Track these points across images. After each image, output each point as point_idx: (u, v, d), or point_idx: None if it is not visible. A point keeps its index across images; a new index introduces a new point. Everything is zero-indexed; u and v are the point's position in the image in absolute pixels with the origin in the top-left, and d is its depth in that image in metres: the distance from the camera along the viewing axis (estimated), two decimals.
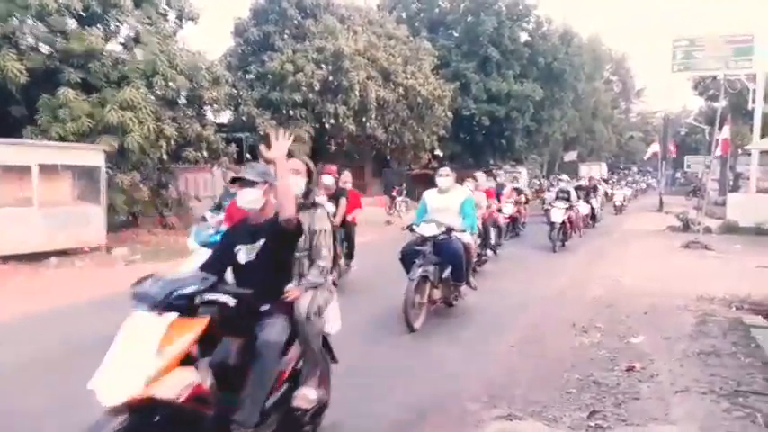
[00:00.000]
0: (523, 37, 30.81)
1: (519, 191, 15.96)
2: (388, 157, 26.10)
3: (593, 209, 17.37)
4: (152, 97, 14.05)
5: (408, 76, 22.51)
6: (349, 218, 8.33)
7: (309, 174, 3.68)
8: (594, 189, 19.24)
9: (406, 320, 5.95)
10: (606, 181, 32.35)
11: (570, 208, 13.30)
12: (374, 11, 26.20)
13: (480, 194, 9.96)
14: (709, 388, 4.45)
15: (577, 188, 16.68)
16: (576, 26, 43.17)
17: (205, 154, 15.53)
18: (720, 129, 16.15)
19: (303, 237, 3.32)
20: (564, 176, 15.97)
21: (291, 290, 3.28)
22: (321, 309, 3.37)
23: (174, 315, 2.53)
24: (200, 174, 18.19)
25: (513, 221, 14.73)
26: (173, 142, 13.98)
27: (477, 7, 28.85)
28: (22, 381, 4.70)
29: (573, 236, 13.90)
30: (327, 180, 8.05)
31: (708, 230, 15.14)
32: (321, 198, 7.12)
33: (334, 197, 7.96)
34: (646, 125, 63.55)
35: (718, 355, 5.26)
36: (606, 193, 25.71)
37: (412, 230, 6.65)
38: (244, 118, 19.27)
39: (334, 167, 8.56)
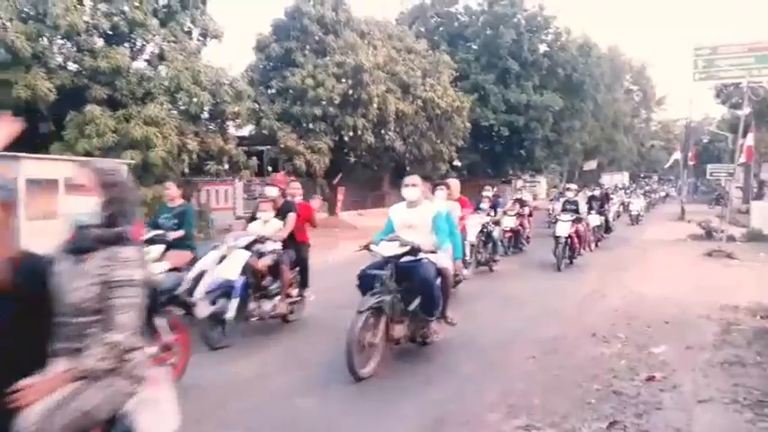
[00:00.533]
0: (542, 48, 30.78)
1: (522, 202, 15.15)
2: (407, 168, 26.16)
3: (606, 220, 16.51)
4: (175, 112, 14.39)
5: (427, 89, 22.62)
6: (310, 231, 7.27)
7: (110, 187, 2.19)
8: (607, 198, 18.60)
9: (348, 366, 4.70)
10: (625, 190, 31.74)
11: (578, 220, 12.01)
12: (393, 25, 26.41)
13: (453, 204, 8.17)
14: (732, 398, 4.41)
15: (591, 198, 16.34)
16: (595, 36, 43.09)
17: (227, 167, 15.77)
18: (744, 136, 15.97)
19: (88, 291, 2.04)
20: (572, 186, 14.67)
21: (26, 385, 1.90)
22: (90, 416, 1.99)
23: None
24: (222, 186, 18.46)
25: (516, 235, 13.79)
26: (195, 156, 14.24)
27: (497, 20, 28.94)
28: None
29: (582, 251, 12.59)
30: (270, 192, 6.98)
31: (731, 239, 14.94)
32: (266, 214, 6.70)
33: (281, 212, 6.75)
34: (667, 134, 62.88)
35: (742, 365, 5.21)
36: (623, 203, 25.20)
37: (369, 250, 5.41)
38: (265, 131, 19.53)
39: (282, 176, 7.58)
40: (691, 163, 32.81)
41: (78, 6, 13.16)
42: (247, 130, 20.31)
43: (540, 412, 4.22)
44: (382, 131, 21.34)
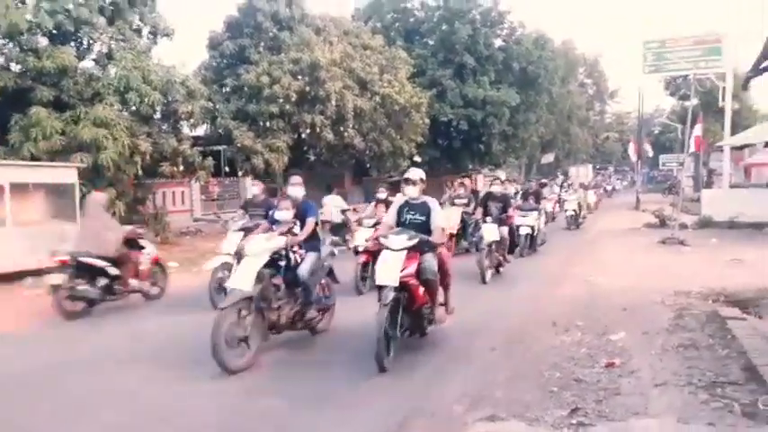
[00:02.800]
0: (498, 43, 31.09)
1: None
2: (368, 165, 26.15)
3: (532, 232, 12.79)
4: (126, 113, 13.97)
5: (385, 85, 22.59)
6: None
7: None
8: (537, 195, 14.69)
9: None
10: (562, 184, 26.00)
11: (505, 221, 10.27)
12: (349, 21, 26.27)
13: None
14: (687, 380, 4.51)
15: (525, 193, 14.84)
16: (548, 31, 43.79)
17: (181, 168, 15.42)
18: (692, 127, 16.48)
19: None
20: (500, 176, 13.27)
21: None
22: None
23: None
24: (178, 188, 18.06)
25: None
26: (148, 157, 13.87)
27: (452, 16, 29.08)
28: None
29: (509, 257, 10.47)
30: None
31: (684, 226, 15.40)
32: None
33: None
34: (621, 125, 64.52)
35: (696, 348, 5.34)
36: (558, 201, 20.84)
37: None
38: (221, 131, 19.18)
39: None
40: (647, 155, 33.80)
41: (20, 5, 12.65)
42: (202, 130, 19.91)
43: (504, 402, 4.25)
44: (341, 128, 21.22)
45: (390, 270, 5.14)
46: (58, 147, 12.26)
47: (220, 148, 20.04)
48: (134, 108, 13.90)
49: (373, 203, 11.42)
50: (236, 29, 20.99)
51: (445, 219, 6.93)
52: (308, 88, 19.55)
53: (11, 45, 13.03)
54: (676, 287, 8.09)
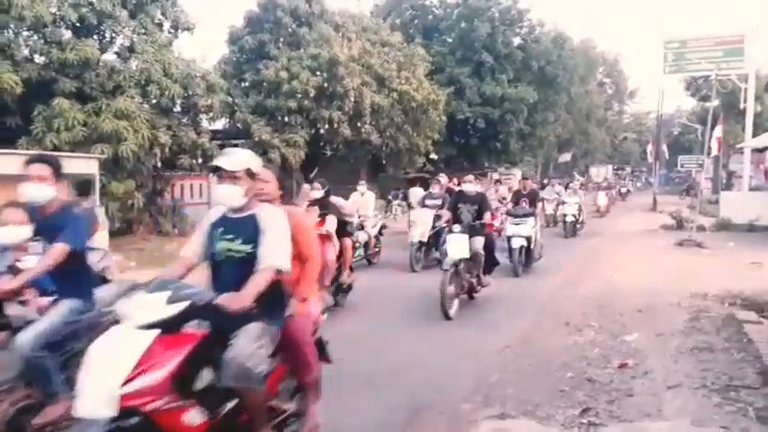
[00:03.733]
0: (516, 41, 30.93)
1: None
2: (384, 162, 26.16)
3: (528, 243, 10.26)
4: (147, 106, 14.13)
5: (403, 82, 22.58)
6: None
7: None
8: (532, 198, 11.18)
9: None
10: (566, 185, 21.57)
11: (479, 230, 7.83)
12: (368, 18, 26.27)
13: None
14: (701, 383, 4.50)
15: (516, 194, 11.57)
16: (568, 30, 43.40)
17: (200, 161, 15.57)
18: (713, 128, 16.29)
19: None
20: (469, 177, 9.62)
21: None
22: None
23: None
24: (196, 181, 18.22)
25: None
26: (167, 150, 14.03)
27: (471, 13, 28.97)
28: None
29: (486, 279, 7.99)
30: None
31: (701, 228, 15.23)
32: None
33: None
34: (639, 126, 63.83)
35: (711, 351, 5.31)
36: (558, 204, 17.76)
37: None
38: (239, 125, 19.31)
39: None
40: (665, 156, 33.38)
41: None
42: (221, 124, 20.06)
43: (515, 401, 4.27)
44: (358, 124, 21.26)
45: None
46: (79, 138, 12.43)
47: (238, 141, 20.17)
48: (154, 101, 14.05)
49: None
50: (255, 24, 21.09)
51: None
52: (326, 84, 19.61)
53: (35, 37, 13.20)
54: (693, 289, 8.03)
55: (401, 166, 26.37)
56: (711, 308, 7.04)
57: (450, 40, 30.09)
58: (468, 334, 6.24)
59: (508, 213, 10.92)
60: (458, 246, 7.24)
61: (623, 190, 36.66)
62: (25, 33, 13.16)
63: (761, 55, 24.62)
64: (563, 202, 16.97)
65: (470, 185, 8.36)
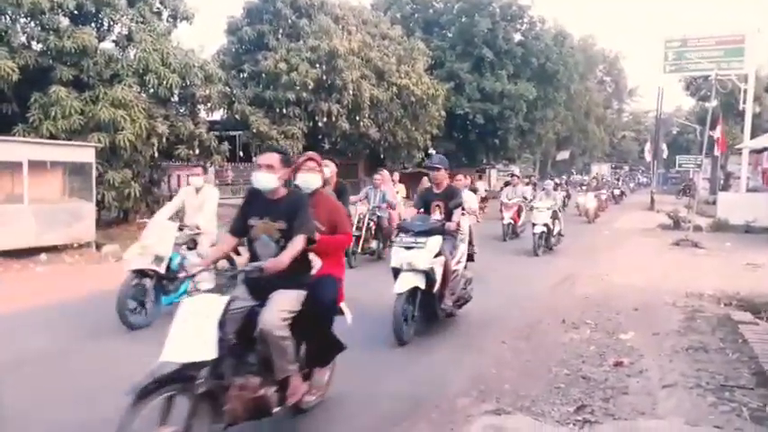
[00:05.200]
0: (517, 37, 30.90)
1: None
2: (382, 156, 26.13)
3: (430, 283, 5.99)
4: (144, 95, 14.06)
5: (402, 76, 22.53)
6: None
7: None
8: (449, 197, 6.46)
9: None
10: (535, 183, 21.13)
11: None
12: (368, 11, 26.18)
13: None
14: (696, 383, 4.49)
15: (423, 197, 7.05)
16: (569, 27, 43.36)
17: (197, 152, 15.51)
18: (713, 128, 16.29)
19: None
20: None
21: None
22: None
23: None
24: (193, 171, 18.15)
25: None
26: (165, 140, 13.97)
27: (472, 8, 28.91)
28: (9, 379, 4.69)
29: (447, 305, 6.11)
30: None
31: (698, 228, 15.26)
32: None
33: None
34: (638, 125, 63.94)
35: (706, 351, 5.31)
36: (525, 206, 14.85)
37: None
38: (237, 116, 19.24)
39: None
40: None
41: None
42: (219, 115, 19.99)
43: (510, 396, 4.26)
44: (357, 118, 21.21)
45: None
46: (76, 126, 12.37)
47: (236, 133, 20.12)
48: (152, 90, 13.97)
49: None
50: (255, 15, 20.99)
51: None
52: (325, 76, 19.54)
53: (32, 24, 13.12)
54: (689, 289, 8.05)
55: (399, 161, 26.34)
56: (707, 308, 7.05)
57: (450, 35, 30.03)
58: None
59: (399, 228, 6.31)
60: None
61: (616, 192, 31.21)
62: (23, 20, 13.09)
63: (761, 55, 24.53)
64: (532, 208, 12.83)
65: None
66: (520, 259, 11.52)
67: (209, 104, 16.36)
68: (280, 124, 19.26)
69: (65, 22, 13.40)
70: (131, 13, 14.40)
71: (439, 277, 5.73)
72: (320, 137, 22.50)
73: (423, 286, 5.62)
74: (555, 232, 12.60)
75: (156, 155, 14.13)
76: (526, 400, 4.20)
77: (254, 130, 18.57)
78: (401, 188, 13.08)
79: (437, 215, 6.23)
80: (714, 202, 20.97)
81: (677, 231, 15.51)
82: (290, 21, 21.02)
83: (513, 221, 14.41)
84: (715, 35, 23.91)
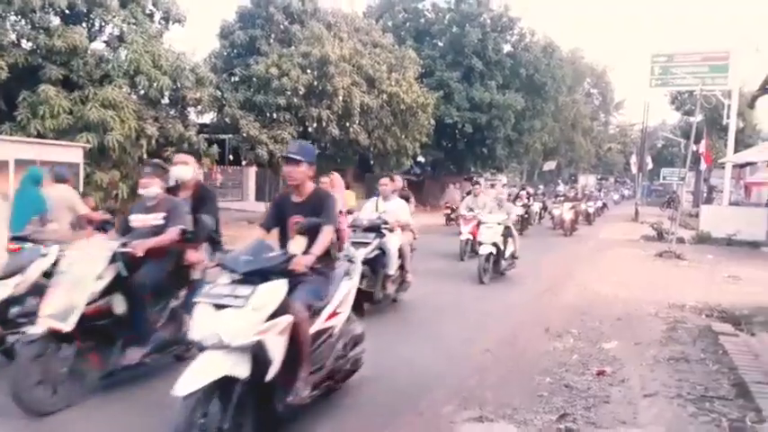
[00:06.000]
0: (506, 48, 31.12)
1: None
2: (371, 162, 26.18)
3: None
4: (134, 96, 14.02)
5: (392, 84, 22.62)
6: None
7: None
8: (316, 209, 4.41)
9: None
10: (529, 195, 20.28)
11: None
12: (361, 19, 26.27)
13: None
14: (677, 393, 4.57)
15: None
16: (557, 39, 43.74)
17: None
18: (697, 143, 16.55)
19: None
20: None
21: None
22: None
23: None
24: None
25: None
26: (154, 141, 13.93)
27: (463, 19, 29.11)
28: None
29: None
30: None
31: (681, 240, 15.44)
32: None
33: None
34: (624, 137, 64.59)
35: (687, 361, 5.40)
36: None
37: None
38: (227, 119, 19.20)
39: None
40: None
41: None
42: (209, 118, 19.96)
43: (493, 404, 4.30)
44: (347, 124, 21.25)
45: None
46: (64, 126, 12.30)
47: (226, 136, 20.07)
48: (142, 92, 13.95)
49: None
50: (247, 19, 21.02)
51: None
52: (316, 82, 19.57)
53: (23, 22, 13.05)
54: (671, 300, 8.15)
55: (388, 168, 26.41)
56: (689, 319, 7.16)
57: (440, 45, 30.19)
58: None
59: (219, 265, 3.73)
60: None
61: (596, 205, 27.00)
62: (12, 18, 13.01)
63: (745, 72, 24.94)
64: (480, 223, 10.33)
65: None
66: (463, 288, 9.21)
67: (199, 107, 16.36)
68: (270, 129, 19.25)
69: (56, 21, 13.36)
70: (123, 14, 14.36)
71: (277, 355, 3.34)
72: (310, 142, 22.47)
73: (243, 375, 3.17)
74: (507, 254, 10.17)
75: (145, 156, 14.06)
76: (509, 407, 4.24)
77: (244, 134, 18.55)
78: (350, 195, 10.71)
79: (296, 240, 4.07)
80: (697, 215, 21.27)
81: (660, 243, 15.69)
82: (282, 26, 21.07)
83: (472, 237, 11.82)
84: (701, 51, 24.30)
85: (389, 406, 4.31)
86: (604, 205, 31.44)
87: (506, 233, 10.13)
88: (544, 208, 23.79)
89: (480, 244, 9.86)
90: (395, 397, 4.50)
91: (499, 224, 9.85)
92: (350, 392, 4.51)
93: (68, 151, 11.77)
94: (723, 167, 23.70)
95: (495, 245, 9.66)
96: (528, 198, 19.51)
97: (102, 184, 12.73)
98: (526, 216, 18.16)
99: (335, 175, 9.54)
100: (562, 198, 21.62)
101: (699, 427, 3.96)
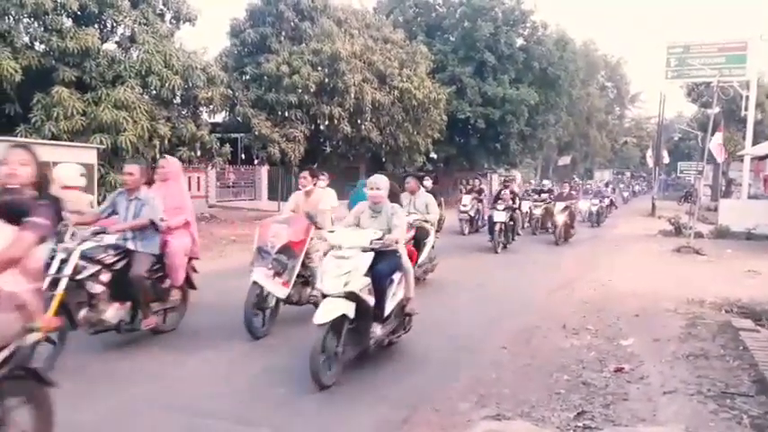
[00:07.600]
0: (519, 42, 30.90)
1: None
2: (383, 159, 26.15)
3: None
4: (147, 97, 14.08)
5: (404, 80, 22.55)
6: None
7: None
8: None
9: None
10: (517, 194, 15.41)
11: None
12: (371, 14, 26.23)
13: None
14: (696, 389, 4.48)
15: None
16: (571, 32, 43.35)
17: (199, 153, 15.53)
18: (714, 135, 16.29)
19: None
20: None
21: None
22: None
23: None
24: (194, 173, 18.18)
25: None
26: (166, 141, 13.99)
27: (474, 13, 28.93)
28: None
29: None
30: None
31: (699, 235, 15.22)
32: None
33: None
34: (640, 131, 63.91)
35: (706, 358, 5.30)
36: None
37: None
38: (239, 118, 19.27)
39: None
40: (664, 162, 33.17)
41: None
42: (221, 117, 20.03)
43: (510, 401, 4.25)
44: (359, 121, 21.23)
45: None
46: (78, 127, 12.40)
47: (238, 135, 20.14)
48: (154, 92, 14.01)
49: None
50: (257, 17, 21.05)
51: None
52: (327, 80, 19.57)
53: (36, 24, 13.16)
54: (689, 296, 8.02)
55: (400, 164, 26.36)
56: (708, 315, 7.03)
57: (452, 39, 30.05)
58: None
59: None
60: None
61: (602, 203, 21.57)
62: (25, 20, 13.13)
63: (763, 62, 24.56)
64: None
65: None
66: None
67: (210, 106, 16.40)
68: (281, 127, 19.28)
69: (68, 22, 13.45)
70: (134, 15, 14.44)
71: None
72: (322, 140, 22.53)
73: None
74: (422, 258, 8.19)
75: (158, 156, 14.14)
76: (526, 405, 4.18)
77: (256, 133, 18.59)
78: (332, 193, 8.10)
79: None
80: (716, 209, 20.96)
81: (678, 238, 15.48)
82: (292, 23, 21.08)
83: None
84: (717, 42, 23.95)
85: (407, 401, 4.27)
86: (611, 203, 27.09)
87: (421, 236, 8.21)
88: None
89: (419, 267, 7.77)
90: (413, 391, 4.46)
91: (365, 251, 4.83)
92: (366, 388, 4.47)
93: (83, 152, 11.84)
94: (742, 160, 23.34)
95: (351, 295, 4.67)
96: (513, 199, 14.00)
97: (116, 184, 12.79)
98: (511, 223, 13.43)
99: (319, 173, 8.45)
100: (547, 195, 17.44)
101: (719, 424, 3.88)
